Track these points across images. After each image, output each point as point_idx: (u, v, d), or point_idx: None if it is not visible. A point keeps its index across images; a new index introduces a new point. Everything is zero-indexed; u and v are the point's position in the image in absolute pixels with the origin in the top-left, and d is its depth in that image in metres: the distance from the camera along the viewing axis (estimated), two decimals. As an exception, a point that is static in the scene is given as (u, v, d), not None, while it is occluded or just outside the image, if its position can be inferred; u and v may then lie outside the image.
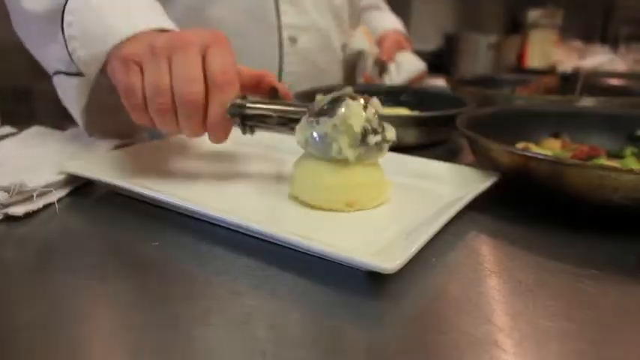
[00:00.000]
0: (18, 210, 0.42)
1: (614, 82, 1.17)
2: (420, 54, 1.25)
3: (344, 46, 1.05)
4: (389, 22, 1.23)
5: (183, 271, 0.35)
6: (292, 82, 0.92)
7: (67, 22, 0.53)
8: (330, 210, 0.43)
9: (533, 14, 2.47)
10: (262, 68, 0.89)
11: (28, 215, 0.43)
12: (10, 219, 0.42)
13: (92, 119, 0.60)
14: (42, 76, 0.67)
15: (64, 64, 0.56)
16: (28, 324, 0.29)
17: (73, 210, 0.45)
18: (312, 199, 0.44)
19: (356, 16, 1.14)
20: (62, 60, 0.56)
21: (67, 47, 0.53)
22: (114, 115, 0.59)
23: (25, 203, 0.43)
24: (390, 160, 0.46)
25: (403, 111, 0.79)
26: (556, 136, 0.62)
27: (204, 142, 0.63)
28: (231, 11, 0.83)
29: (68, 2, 0.53)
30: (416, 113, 0.73)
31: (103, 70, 0.53)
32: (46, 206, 0.44)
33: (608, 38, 2.63)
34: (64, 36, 0.53)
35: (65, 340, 0.27)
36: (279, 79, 0.91)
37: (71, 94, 0.58)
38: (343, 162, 0.43)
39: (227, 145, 0.64)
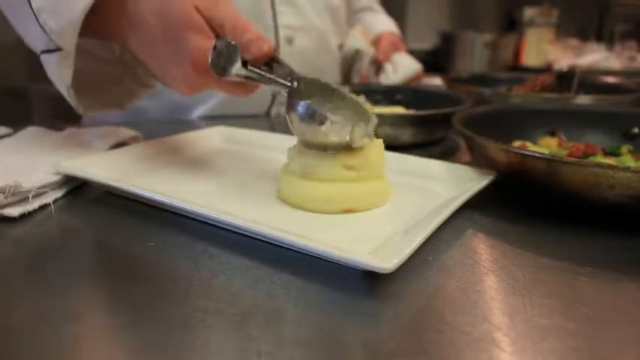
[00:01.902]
0: (13, 211, 0.42)
1: (610, 79, 1.17)
2: (416, 52, 1.26)
3: (341, 47, 1.05)
4: (384, 24, 1.24)
5: (179, 271, 0.34)
6: None
7: None
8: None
9: (529, 12, 2.47)
10: None
11: (24, 216, 0.43)
12: (5, 220, 0.42)
13: (83, 94, 0.58)
14: (38, 76, 0.66)
15: (43, 41, 0.53)
16: (23, 324, 0.29)
17: (68, 211, 0.45)
18: (306, 207, 0.43)
19: (351, 16, 1.15)
20: (40, 37, 0.53)
21: (37, 21, 0.51)
22: (107, 87, 0.58)
23: (21, 204, 0.43)
24: (387, 158, 0.46)
25: (399, 110, 0.79)
26: (552, 134, 0.62)
27: (200, 141, 0.63)
28: None
29: None
30: (411, 112, 0.73)
31: (96, 36, 0.52)
32: (42, 207, 0.44)
33: (604, 36, 2.64)
34: (32, 9, 0.51)
35: (60, 341, 0.27)
36: None
37: (56, 72, 0.55)
38: (339, 175, 0.43)
39: (223, 145, 0.64)
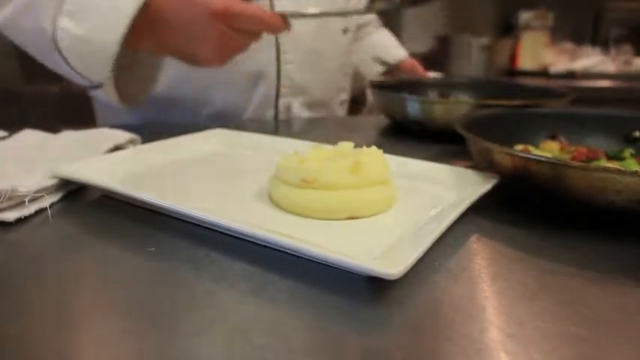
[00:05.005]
0: (9, 215, 0.41)
1: (606, 83, 1.17)
2: (412, 56, 1.27)
3: (345, 30, 1.03)
4: (397, 48, 1.27)
5: (181, 278, 0.34)
6: (292, 69, 0.91)
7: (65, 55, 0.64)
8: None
9: (525, 16, 2.48)
10: (260, 58, 0.89)
11: (20, 221, 0.42)
12: (1, 224, 0.41)
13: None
14: (33, 79, 0.67)
15: (82, 82, 0.67)
16: (19, 333, 0.28)
17: (66, 215, 0.44)
18: (308, 216, 0.42)
19: (359, 30, 1.16)
20: (79, 79, 0.66)
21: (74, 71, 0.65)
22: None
23: (17, 208, 0.42)
24: (389, 162, 0.46)
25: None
26: (553, 137, 0.61)
27: (199, 144, 0.62)
28: None
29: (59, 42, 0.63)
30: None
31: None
32: (39, 211, 0.43)
33: (599, 40, 2.65)
34: (68, 65, 0.64)
35: (58, 350, 0.27)
36: (278, 67, 0.91)
37: (106, 96, 0.69)
38: (343, 181, 0.42)
39: (223, 149, 0.63)
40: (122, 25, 0.59)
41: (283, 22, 0.66)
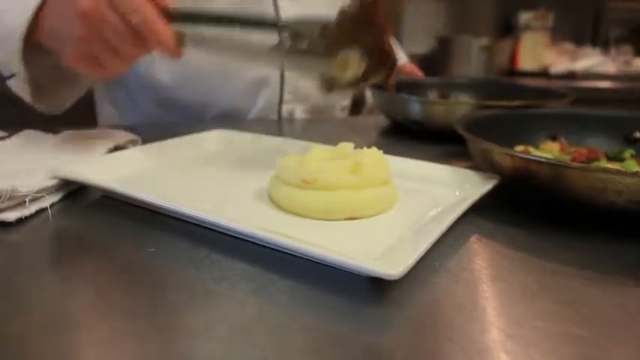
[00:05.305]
0: (10, 216, 0.41)
1: (606, 83, 1.17)
2: (413, 57, 1.28)
3: None
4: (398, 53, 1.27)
5: (181, 278, 0.34)
6: (296, 79, 0.91)
7: None
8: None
9: (525, 17, 2.48)
10: (263, 68, 0.88)
11: (20, 221, 0.42)
12: (1, 225, 0.41)
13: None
14: None
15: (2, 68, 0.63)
16: (20, 332, 0.28)
17: (66, 215, 0.44)
18: (308, 216, 0.42)
19: None
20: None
21: None
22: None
23: (17, 209, 0.42)
24: (389, 163, 0.46)
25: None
26: (554, 138, 0.61)
27: (199, 145, 0.62)
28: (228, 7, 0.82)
29: None
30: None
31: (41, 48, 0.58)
32: (39, 212, 0.43)
33: (599, 40, 2.65)
34: None
35: (58, 350, 0.27)
36: (282, 74, 0.90)
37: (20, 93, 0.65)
38: (343, 182, 0.42)
39: (223, 149, 0.63)
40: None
41: (175, 39, 0.51)
